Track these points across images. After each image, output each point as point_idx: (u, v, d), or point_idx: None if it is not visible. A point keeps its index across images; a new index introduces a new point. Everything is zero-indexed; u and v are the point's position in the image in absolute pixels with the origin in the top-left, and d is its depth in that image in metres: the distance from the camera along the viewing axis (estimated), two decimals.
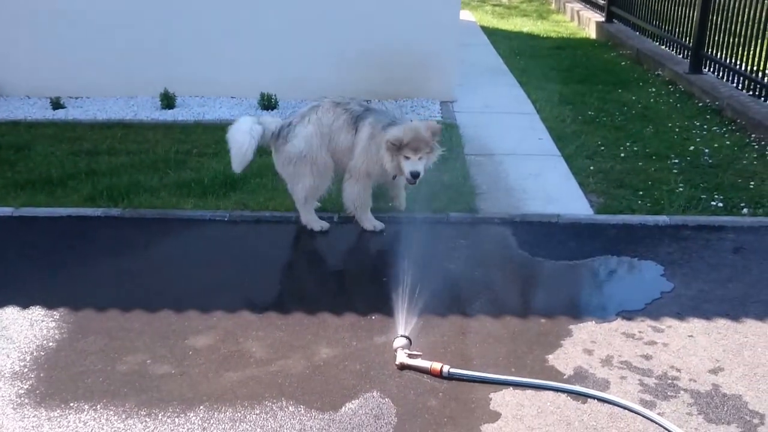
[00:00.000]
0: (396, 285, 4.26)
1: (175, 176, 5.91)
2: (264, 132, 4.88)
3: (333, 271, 4.64)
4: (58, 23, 7.78)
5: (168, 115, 7.49)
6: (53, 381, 3.52)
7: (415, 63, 7.76)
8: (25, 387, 3.48)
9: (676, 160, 6.37)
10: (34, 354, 3.73)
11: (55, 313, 4.09)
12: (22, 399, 3.39)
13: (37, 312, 4.10)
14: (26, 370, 3.61)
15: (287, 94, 7.84)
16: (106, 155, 6.37)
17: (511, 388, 3.48)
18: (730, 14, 8.18)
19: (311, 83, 7.89)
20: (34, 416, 3.28)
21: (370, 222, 5.07)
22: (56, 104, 7.65)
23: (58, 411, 3.31)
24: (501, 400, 3.40)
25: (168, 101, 7.67)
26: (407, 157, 4.59)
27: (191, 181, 5.78)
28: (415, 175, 4.61)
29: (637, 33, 11.15)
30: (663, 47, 10.18)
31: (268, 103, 7.62)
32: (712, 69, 8.65)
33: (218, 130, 6.93)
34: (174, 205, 5.41)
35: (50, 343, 3.82)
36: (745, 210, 5.40)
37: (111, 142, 6.70)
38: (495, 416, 3.30)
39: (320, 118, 4.86)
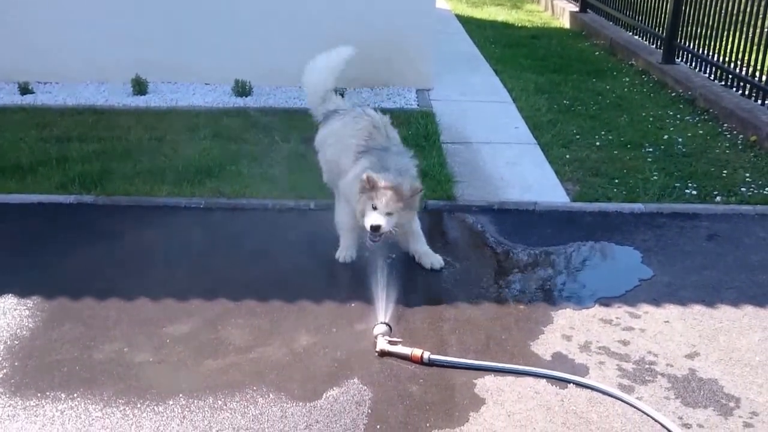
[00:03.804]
0: (374, 272, 4.25)
1: (149, 163, 5.81)
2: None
3: (311, 259, 4.59)
4: (24, 5, 7.59)
5: (140, 101, 7.37)
6: (28, 370, 3.45)
7: (391, 50, 7.72)
8: None
9: (651, 149, 6.42)
10: (8, 343, 3.65)
11: (28, 301, 4.01)
12: None
13: (9, 300, 4.01)
14: None
15: (262, 80, 7.77)
16: (77, 142, 6.24)
17: (492, 374, 3.49)
18: (702, 5, 8.26)
19: (286, 70, 7.80)
20: (9, 405, 3.22)
21: (342, 249, 4.54)
22: (24, 89, 7.48)
23: (34, 400, 3.25)
24: (482, 385, 3.41)
25: (140, 87, 7.54)
26: (374, 207, 4.04)
27: (165, 168, 5.69)
28: (374, 229, 4.02)
29: (611, 23, 11.21)
30: (636, 37, 10.24)
31: (242, 90, 7.53)
32: (684, 59, 8.73)
33: (192, 117, 6.90)
34: (148, 193, 5.32)
35: (24, 332, 3.74)
36: (718, 198, 5.48)
37: (82, 128, 6.56)
38: (476, 402, 3.30)
39: (346, 125, 4.62)
